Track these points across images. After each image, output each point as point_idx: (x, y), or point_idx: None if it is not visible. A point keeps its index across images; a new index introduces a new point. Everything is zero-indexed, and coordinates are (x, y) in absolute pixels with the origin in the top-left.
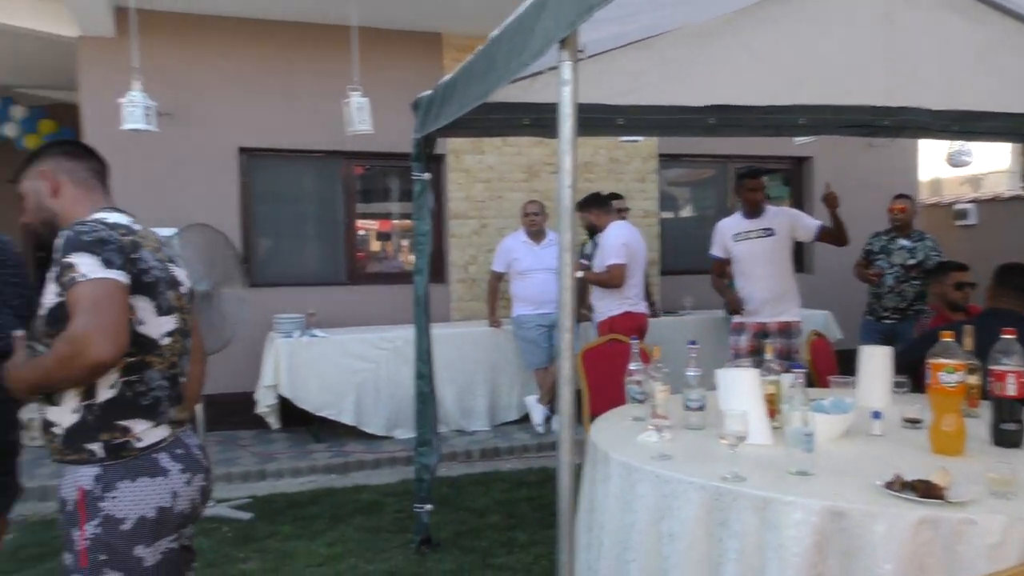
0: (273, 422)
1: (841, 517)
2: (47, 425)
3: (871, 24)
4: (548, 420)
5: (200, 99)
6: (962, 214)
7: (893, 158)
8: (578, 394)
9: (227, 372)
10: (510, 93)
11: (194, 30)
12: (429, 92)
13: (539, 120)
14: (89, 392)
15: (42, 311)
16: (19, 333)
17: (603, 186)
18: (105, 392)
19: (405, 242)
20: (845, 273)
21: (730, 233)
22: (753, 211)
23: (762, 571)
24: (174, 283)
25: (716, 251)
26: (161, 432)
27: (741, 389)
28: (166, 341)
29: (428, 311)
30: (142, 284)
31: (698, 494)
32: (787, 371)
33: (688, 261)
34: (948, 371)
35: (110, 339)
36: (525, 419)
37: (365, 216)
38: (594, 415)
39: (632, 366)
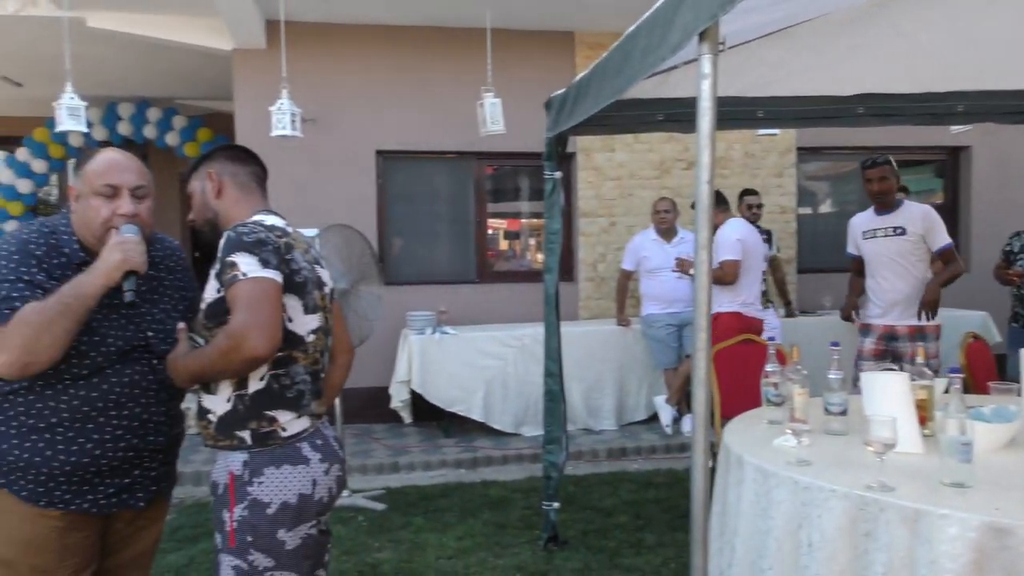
0: (406, 416)
1: (1004, 534)
2: (203, 413)
3: None
4: (676, 421)
5: (341, 104)
6: None
7: None
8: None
9: (362, 367)
10: (644, 89)
11: (336, 39)
12: (562, 91)
13: (673, 115)
14: (241, 383)
15: (203, 305)
16: (181, 326)
17: (738, 181)
18: (255, 384)
19: (533, 241)
20: None
21: (860, 230)
22: (883, 206)
23: None
24: (320, 283)
25: (851, 248)
26: (303, 423)
27: (889, 393)
28: (311, 338)
29: (558, 310)
30: (293, 284)
31: (841, 503)
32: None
33: (827, 259)
34: None
35: (266, 335)
36: (653, 419)
37: (495, 215)
38: (725, 417)
39: (768, 367)
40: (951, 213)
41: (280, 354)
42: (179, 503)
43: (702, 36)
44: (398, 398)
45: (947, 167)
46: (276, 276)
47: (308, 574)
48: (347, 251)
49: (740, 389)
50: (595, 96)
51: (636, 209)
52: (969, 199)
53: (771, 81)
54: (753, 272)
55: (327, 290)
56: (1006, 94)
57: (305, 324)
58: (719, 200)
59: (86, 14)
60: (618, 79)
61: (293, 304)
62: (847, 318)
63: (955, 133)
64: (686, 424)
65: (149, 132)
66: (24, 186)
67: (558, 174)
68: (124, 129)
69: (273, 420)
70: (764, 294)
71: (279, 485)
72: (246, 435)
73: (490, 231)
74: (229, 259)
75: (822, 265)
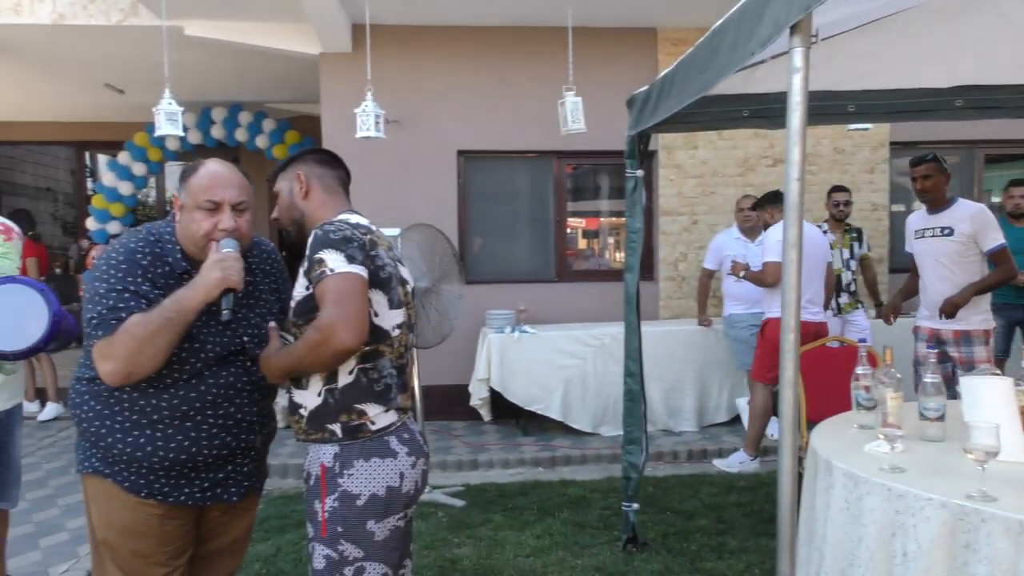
0: (485, 414)
1: None
2: (294, 408)
3: None
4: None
5: (423, 106)
6: None
7: None
8: None
9: (443, 365)
10: (729, 84)
11: (418, 41)
12: (644, 88)
13: (759, 111)
14: (331, 377)
15: (292, 303)
16: (272, 325)
17: (827, 178)
18: (344, 377)
19: (612, 240)
20: None
21: (912, 229)
22: (933, 205)
23: None
24: (402, 280)
25: (908, 247)
26: (391, 417)
27: (991, 399)
28: (396, 333)
29: (638, 309)
30: (378, 279)
31: (938, 512)
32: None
33: None
34: None
35: (354, 328)
36: (734, 421)
37: (574, 214)
38: (811, 421)
39: (859, 370)
40: None
41: (367, 348)
42: (267, 495)
43: (793, 29)
44: (477, 396)
45: None
46: (362, 271)
47: (397, 565)
48: (429, 250)
49: (828, 391)
50: (679, 93)
51: (719, 207)
52: None
53: (863, 74)
54: (810, 274)
55: (409, 287)
56: None
57: (391, 319)
58: (778, 200)
59: (184, 23)
60: (704, 75)
61: (379, 299)
62: (885, 319)
63: None
64: (772, 427)
65: (240, 135)
66: (125, 188)
67: (640, 172)
68: (217, 133)
69: (363, 413)
70: (854, 294)
71: (368, 477)
72: (337, 428)
73: (569, 230)
74: (317, 256)
75: None
